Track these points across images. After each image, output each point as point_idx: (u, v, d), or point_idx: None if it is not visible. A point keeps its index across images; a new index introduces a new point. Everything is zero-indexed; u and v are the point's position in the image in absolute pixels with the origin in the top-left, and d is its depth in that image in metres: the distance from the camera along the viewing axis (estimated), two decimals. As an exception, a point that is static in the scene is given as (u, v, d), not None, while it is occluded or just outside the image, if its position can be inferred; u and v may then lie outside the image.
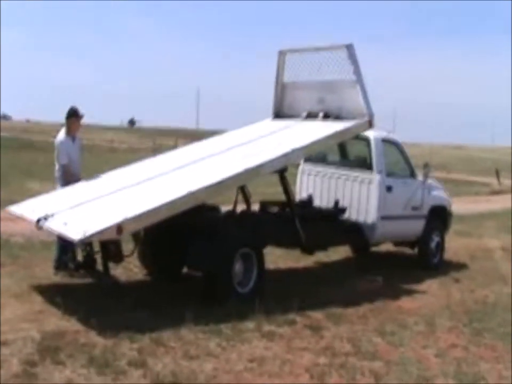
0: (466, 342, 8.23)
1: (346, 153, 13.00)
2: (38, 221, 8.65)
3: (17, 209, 9.90)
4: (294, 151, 10.16)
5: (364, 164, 11.98)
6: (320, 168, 12.61)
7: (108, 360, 6.56)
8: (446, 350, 7.89)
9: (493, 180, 44.71)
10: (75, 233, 7.90)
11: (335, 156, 12.97)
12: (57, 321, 7.63)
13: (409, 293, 10.73)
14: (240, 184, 10.18)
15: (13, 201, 13.16)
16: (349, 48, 11.27)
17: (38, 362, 6.39)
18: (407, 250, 13.65)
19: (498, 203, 28.44)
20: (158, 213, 8.34)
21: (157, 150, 44.88)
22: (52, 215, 8.64)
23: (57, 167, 10.59)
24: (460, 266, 13.35)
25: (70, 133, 10.58)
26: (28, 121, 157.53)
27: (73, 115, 10.59)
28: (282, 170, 10.28)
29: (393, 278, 11.51)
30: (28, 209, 9.56)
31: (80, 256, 10.00)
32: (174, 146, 56.93)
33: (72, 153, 10.50)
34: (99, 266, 9.59)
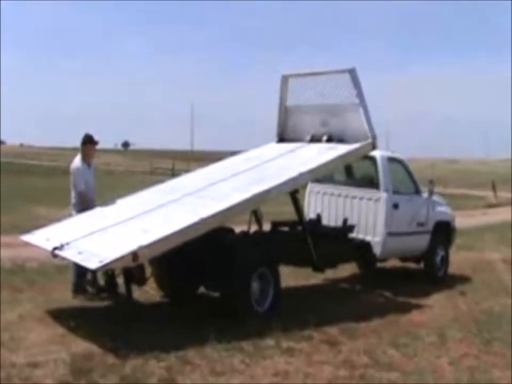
0: (477, 351, 8.56)
1: (353, 172, 13.32)
2: (54, 250, 8.79)
3: (31, 238, 10.02)
4: (301, 175, 10.43)
5: (371, 182, 12.37)
6: (327, 188, 12.94)
7: (138, 378, 6.85)
8: (459, 359, 8.21)
9: (488, 193, 45.04)
10: (91, 262, 8.06)
11: (342, 175, 13.28)
12: (82, 343, 7.85)
13: (418, 306, 11.05)
14: (249, 208, 10.41)
15: (22, 227, 13.45)
16: (352, 72, 11.57)
17: (72, 383, 6.66)
18: (411, 265, 13.98)
19: (496, 216, 28.84)
20: (172, 240, 8.57)
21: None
22: (67, 244, 8.78)
23: (73, 193, 10.80)
24: (464, 279, 13.69)
25: (86, 159, 10.87)
26: (21, 145, 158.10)
27: (88, 141, 10.91)
28: (294, 192, 10.62)
29: (401, 292, 11.88)
30: (42, 238, 9.71)
31: (101, 280, 10.23)
32: (172, 169, 57.26)
33: (88, 180, 10.79)
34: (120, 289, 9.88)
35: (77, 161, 10.88)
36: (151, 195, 11.12)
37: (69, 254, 8.62)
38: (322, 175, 11.98)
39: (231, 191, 10.09)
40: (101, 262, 7.92)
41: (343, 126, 11.91)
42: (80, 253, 8.45)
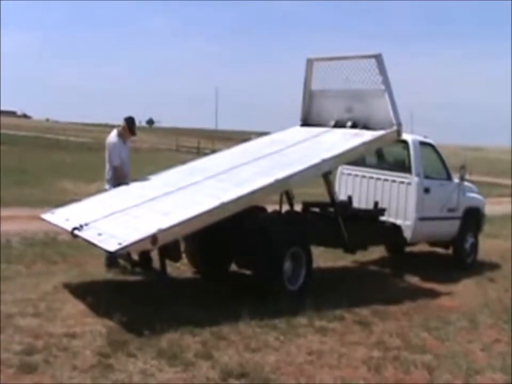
0: (508, 338, 8.60)
1: (384, 155, 13.30)
2: (73, 230, 8.79)
3: (51, 217, 10.02)
4: (324, 162, 10.31)
5: (403, 166, 12.36)
6: (358, 170, 12.94)
7: (175, 352, 6.94)
8: (491, 344, 8.28)
9: (514, 182, 44.60)
10: (110, 245, 8.01)
11: (373, 158, 13.25)
12: (117, 316, 7.89)
13: (447, 291, 11.09)
14: (272, 194, 10.26)
15: (51, 201, 13.59)
16: (378, 58, 11.42)
17: (110, 354, 6.77)
18: (439, 250, 14.02)
19: (522, 204, 28.52)
20: (192, 224, 8.56)
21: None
22: (87, 225, 8.76)
23: (107, 168, 10.91)
24: (493, 266, 13.68)
25: (122, 136, 10.96)
26: (47, 120, 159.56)
27: (130, 129, 11.03)
28: (327, 173, 10.65)
29: (429, 277, 11.89)
30: (62, 217, 9.71)
31: (135, 254, 10.29)
32: (198, 148, 57.37)
33: (123, 155, 10.88)
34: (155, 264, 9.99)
35: (113, 136, 10.96)
36: (173, 176, 11.08)
37: (88, 235, 8.57)
38: (346, 161, 11.95)
39: (253, 175, 10.02)
40: (119, 244, 7.91)
41: (368, 112, 11.79)
42: (99, 234, 8.41)
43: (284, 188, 10.31)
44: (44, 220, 10.21)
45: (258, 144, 12.41)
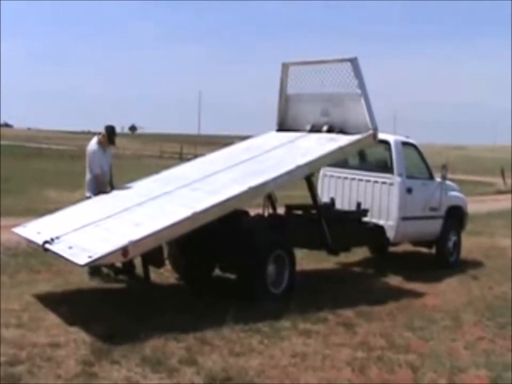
0: (492, 335, 8.66)
1: (367, 156, 13.32)
2: (44, 244, 8.63)
3: (22, 231, 9.88)
4: (300, 168, 10.25)
5: (385, 166, 12.38)
6: (341, 172, 12.94)
7: (159, 359, 6.94)
8: (474, 342, 8.32)
9: (497, 180, 44.90)
10: (80, 258, 7.90)
11: (355, 159, 13.26)
12: (101, 324, 7.89)
13: (431, 290, 11.13)
14: (246, 202, 10.15)
15: (34, 210, 13.51)
16: (353, 61, 11.35)
17: (94, 362, 6.75)
18: (423, 250, 14.07)
19: (505, 202, 28.74)
20: (164, 234, 8.51)
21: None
22: (58, 238, 8.62)
23: (88, 176, 10.88)
24: (476, 265, 13.74)
25: (101, 145, 10.93)
26: (29, 129, 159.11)
27: (109, 138, 10.96)
28: (309, 176, 10.66)
29: (413, 277, 11.95)
30: (33, 231, 9.56)
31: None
32: (180, 153, 57.22)
33: (103, 163, 10.84)
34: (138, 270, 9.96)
35: (93, 144, 10.93)
36: (147, 185, 10.99)
37: (59, 248, 8.43)
38: (322, 166, 12.05)
39: (228, 183, 9.94)
40: (90, 257, 7.81)
41: (344, 116, 11.71)
42: (70, 247, 8.28)
43: (258, 195, 10.23)
44: (16, 234, 10.07)
45: (233, 151, 12.33)
